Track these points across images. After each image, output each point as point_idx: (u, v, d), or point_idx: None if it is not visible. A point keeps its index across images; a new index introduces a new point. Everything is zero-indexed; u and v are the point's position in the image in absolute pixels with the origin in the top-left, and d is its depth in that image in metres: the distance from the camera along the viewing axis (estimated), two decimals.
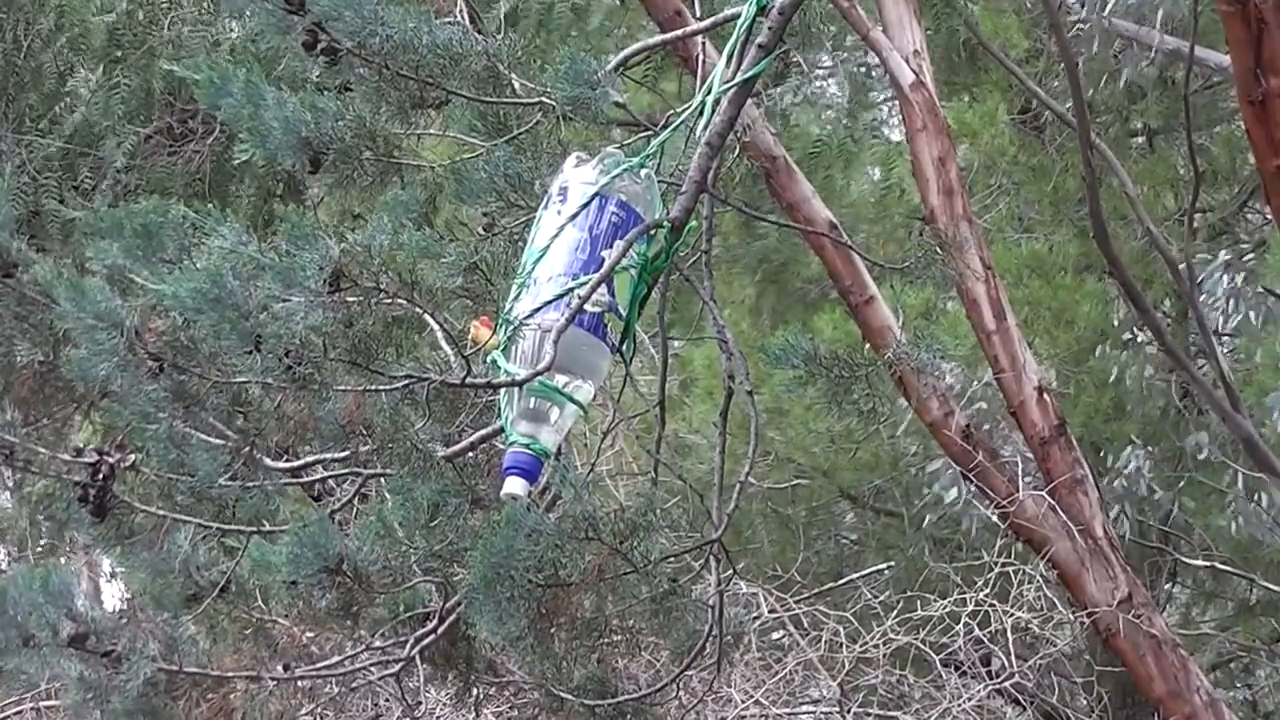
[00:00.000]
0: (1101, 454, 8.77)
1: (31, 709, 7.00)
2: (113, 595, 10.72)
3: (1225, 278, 8.42)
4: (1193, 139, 7.04)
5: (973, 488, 7.00)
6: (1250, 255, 8.90)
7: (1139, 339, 8.62)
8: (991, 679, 7.18)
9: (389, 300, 3.17)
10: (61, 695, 5.55)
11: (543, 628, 3.29)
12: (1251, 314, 8.45)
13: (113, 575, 10.75)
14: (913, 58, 6.35)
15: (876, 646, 6.95)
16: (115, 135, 6.73)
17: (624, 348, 3.11)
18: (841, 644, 6.95)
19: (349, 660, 4.18)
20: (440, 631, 3.87)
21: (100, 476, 3.72)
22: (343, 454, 3.60)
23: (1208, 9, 7.08)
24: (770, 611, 7.01)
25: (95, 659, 3.67)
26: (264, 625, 4.04)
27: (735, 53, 3.33)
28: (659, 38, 4.34)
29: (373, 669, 4.17)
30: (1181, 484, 8.83)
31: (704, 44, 4.69)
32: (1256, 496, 8.53)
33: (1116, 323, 8.85)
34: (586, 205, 3.06)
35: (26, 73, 6.85)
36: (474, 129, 3.56)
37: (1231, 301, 8.39)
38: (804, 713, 7.32)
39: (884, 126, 9.87)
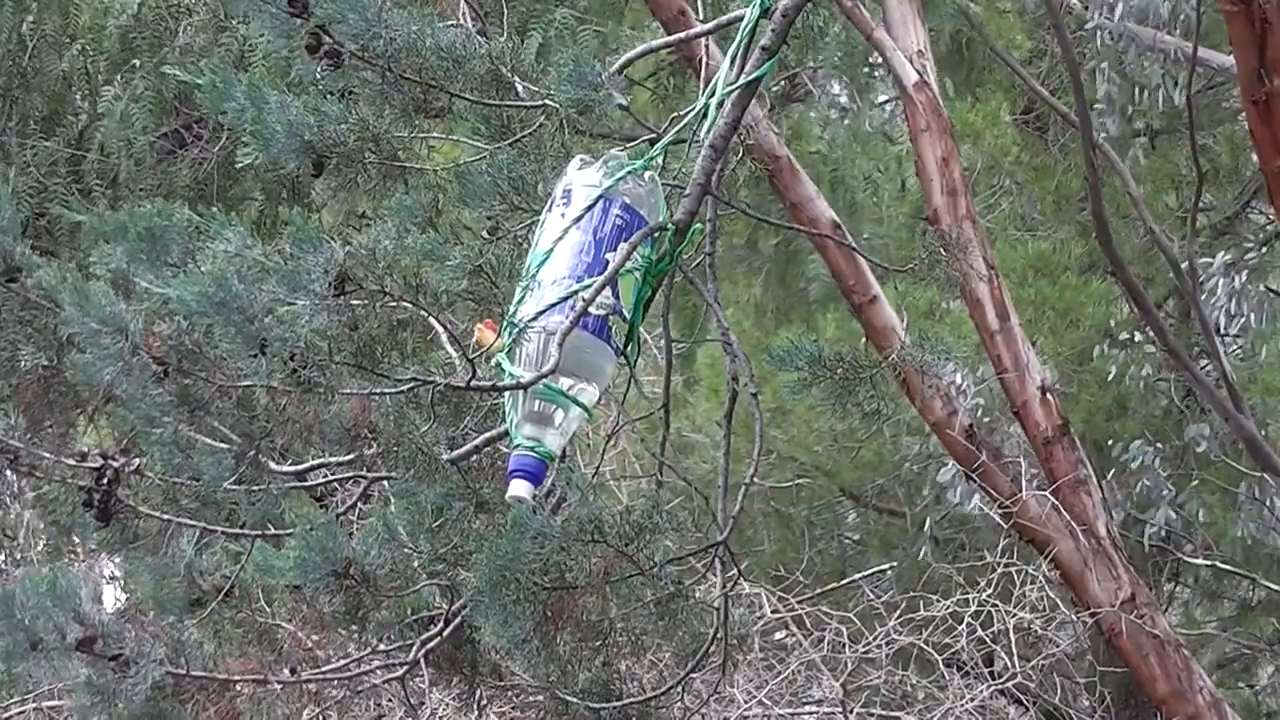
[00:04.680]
0: (1106, 447, 8.77)
1: (34, 709, 6.99)
2: (113, 597, 10.72)
3: (1225, 279, 8.42)
4: (1196, 139, 7.03)
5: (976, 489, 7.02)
6: (1252, 254, 8.90)
7: (1138, 338, 8.62)
8: (994, 679, 7.19)
9: (394, 303, 3.17)
10: (65, 696, 5.55)
11: (548, 631, 3.28)
12: (1253, 315, 8.45)
13: (112, 578, 10.76)
14: (916, 58, 6.35)
15: (879, 646, 6.95)
16: (132, 145, 6.75)
17: (628, 350, 3.11)
18: (844, 644, 6.95)
19: (355, 664, 4.18)
20: (445, 635, 3.87)
21: (105, 481, 3.72)
22: (348, 457, 3.61)
23: (1211, 9, 7.08)
24: (773, 612, 7.01)
25: (103, 663, 3.67)
26: (269, 629, 4.05)
27: (739, 55, 3.33)
28: (662, 40, 4.33)
29: (378, 672, 4.17)
30: (1189, 484, 8.83)
31: (707, 46, 4.69)
32: (1269, 500, 8.54)
33: (1113, 323, 8.85)
34: (590, 208, 3.06)
35: (32, 74, 6.86)
36: (478, 132, 3.55)
37: (1234, 301, 8.39)
38: (807, 713, 7.32)
39: (887, 126, 9.87)
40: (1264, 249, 9.01)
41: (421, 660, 3.94)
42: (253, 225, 6.25)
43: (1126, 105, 8.72)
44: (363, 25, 3.42)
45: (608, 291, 3.00)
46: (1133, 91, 8.59)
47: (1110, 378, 8.62)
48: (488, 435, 3.23)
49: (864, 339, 6.28)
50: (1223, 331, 8.52)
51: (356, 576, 3.47)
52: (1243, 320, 8.46)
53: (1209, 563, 8.82)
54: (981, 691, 7.12)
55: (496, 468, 3.41)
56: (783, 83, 7.44)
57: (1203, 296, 8.13)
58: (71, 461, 3.84)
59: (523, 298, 3.04)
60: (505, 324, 3.03)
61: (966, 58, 8.93)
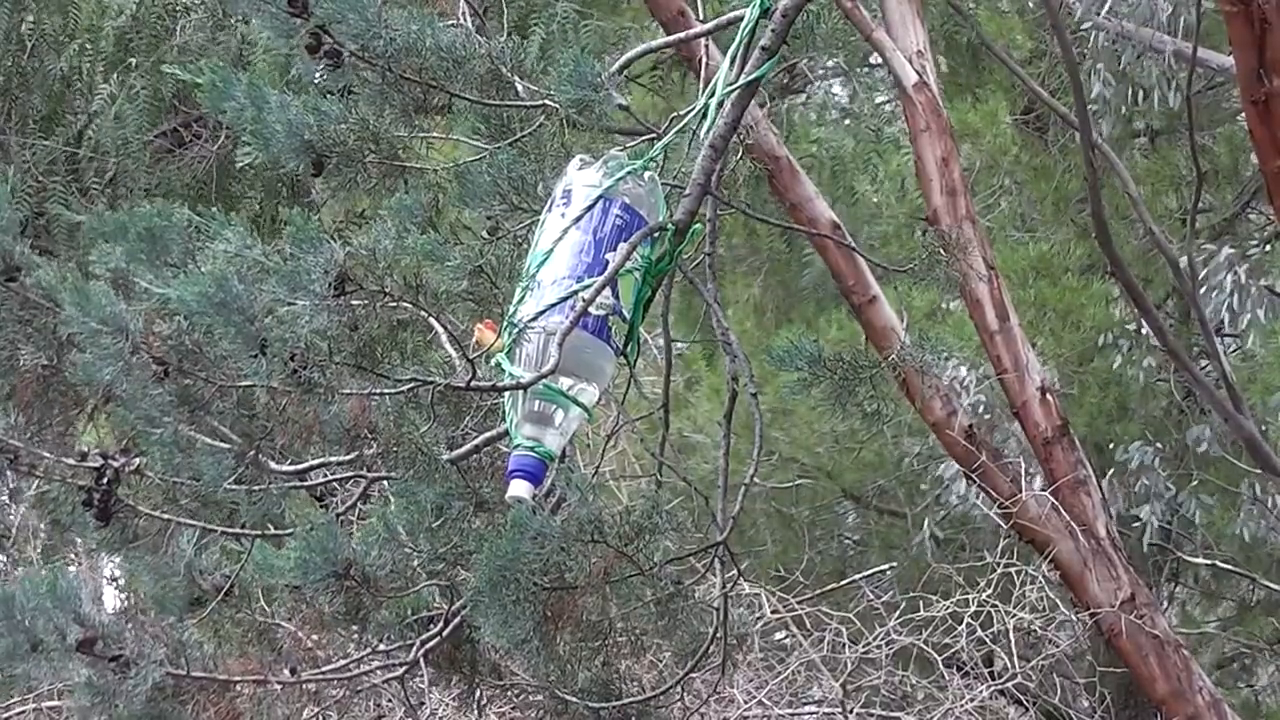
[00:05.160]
0: (1106, 448, 8.79)
1: (34, 709, 7.00)
2: (113, 598, 10.73)
3: (1229, 277, 8.43)
4: (1195, 139, 7.03)
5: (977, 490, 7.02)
6: (1255, 251, 8.91)
7: (1142, 332, 8.64)
8: (994, 679, 7.19)
9: (394, 304, 3.17)
10: (65, 696, 5.55)
11: (548, 630, 3.28)
12: (1260, 312, 8.46)
13: (112, 578, 10.77)
14: (916, 58, 6.35)
15: (879, 647, 6.96)
16: (128, 144, 6.75)
17: (628, 350, 3.11)
18: (844, 644, 6.95)
19: (355, 664, 4.18)
20: (445, 635, 3.87)
21: (105, 480, 3.72)
22: (348, 457, 3.61)
23: (1211, 10, 7.08)
24: (773, 612, 7.01)
25: (103, 663, 3.67)
26: (269, 629, 4.05)
27: (738, 55, 3.33)
28: (662, 40, 4.34)
29: (378, 672, 4.17)
30: (1189, 484, 8.84)
31: (707, 46, 4.68)
32: (1271, 500, 8.55)
33: (1114, 322, 8.86)
34: (590, 208, 3.06)
35: (32, 74, 6.86)
36: (477, 132, 3.55)
37: (1236, 299, 8.40)
38: (807, 713, 7.32)
39: (887, 126, 9.89)
40: (1266, 247, 9.02)
41: (421, 660, 3.94)
42: (251, 224, 6.25)
43: (1120, 106, 8.73)
44: (363, 25, 3.42)
45: (608, 291, 3.00)
46: (1128, 93, 8.60)
47: (1113, 367, 8.63)
48: (488, 435, 3.23)
49: (864, 339, 6.27)
50: (1226, 330, 8.53)
51: (356, 576, 3.46)
52: (1249, 318, 8.47)
53: (1209, 562, 8.82)
54: (981, 692, 7.12)
55: (496, 468, 3.41)
56: (781, 74, 7.44)
57: (1204, 293, 8.14)
58: (71, 461, 3.84)
59: (523, 298, 3.04)
60: (505, 324, 3.03)
61: (966, 57, 8.94)
